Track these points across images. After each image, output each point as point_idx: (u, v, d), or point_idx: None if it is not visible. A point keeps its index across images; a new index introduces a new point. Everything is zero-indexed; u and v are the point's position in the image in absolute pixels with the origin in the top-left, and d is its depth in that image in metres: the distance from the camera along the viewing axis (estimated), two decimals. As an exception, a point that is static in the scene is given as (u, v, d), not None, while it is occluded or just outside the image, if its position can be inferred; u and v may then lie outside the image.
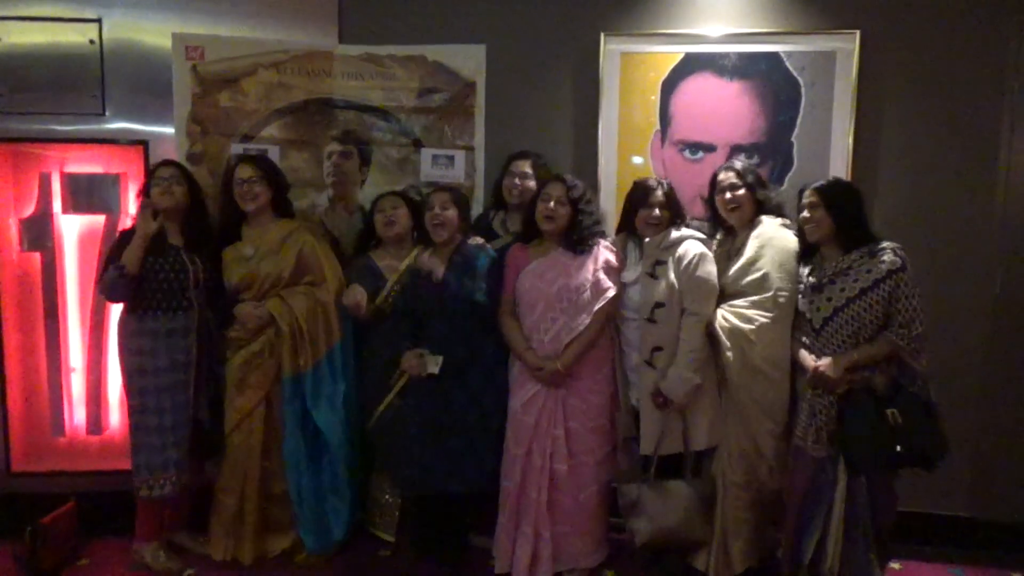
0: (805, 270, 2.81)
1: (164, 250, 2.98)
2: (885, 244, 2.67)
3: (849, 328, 2.66)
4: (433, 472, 2.98)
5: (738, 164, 2.98)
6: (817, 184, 2.75)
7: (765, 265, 2.82)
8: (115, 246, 3.01)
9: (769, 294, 2.80)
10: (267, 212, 3.13)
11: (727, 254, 2.96)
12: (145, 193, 3.05)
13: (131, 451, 3.04)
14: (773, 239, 2.85)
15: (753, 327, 2.80)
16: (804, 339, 2.79)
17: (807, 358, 2.75)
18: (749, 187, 2.91)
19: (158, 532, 3.16)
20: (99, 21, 3.39)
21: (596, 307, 2.91)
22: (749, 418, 2.83)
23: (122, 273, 2.88)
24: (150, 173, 3.09)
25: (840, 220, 2.69)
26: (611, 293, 2.92)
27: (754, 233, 2.89)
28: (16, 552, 3.10)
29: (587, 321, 2.91)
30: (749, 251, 2.86)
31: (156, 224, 2.94)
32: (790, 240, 2.85)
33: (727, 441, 2.89)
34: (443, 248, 3.05)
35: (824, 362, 2.69)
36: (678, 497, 2.85)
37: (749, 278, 2.84)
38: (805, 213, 2.75)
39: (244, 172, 3.07)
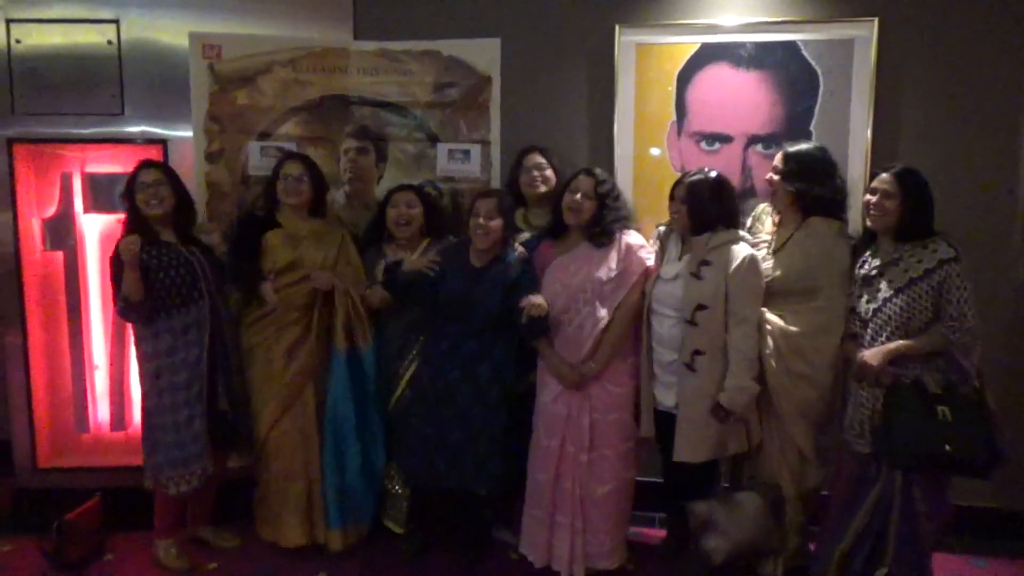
0: (858, 260, 2.73)
1: (158, 248, 2.97)
2: (938, 236, 2.56)
3: (897, 319, 2.57)
4: (435, 468, 2.98)
5: (792, 149, 2.83)
6: (895, 170, 2.62)
7: (821, 278, 2.74)
8: (115, 265, 2.96)
9: (822, 303, 2.74)
10: (304, 209, 3.18)
11: (769, 245, 2.88)
12: (128, 195, 2.99)
13: (149, 450, 3.03)
14: (830, 252, 2.75)
15: (799, 330, 2.74)
16: (854, 331, 2.71)
17: (854, 351, 2.68)
18: (788, 181, 2.78)
19: (175, 528, 3.19)
20: (117, 22, 3.42)
21: (621, 296, 2.87)
22: (787, 420, 2.78)
23: (128, 305, 2.91)
24: (132, 176, 3.00)
25: (910, 210, 2.58)
26: (635, 279, 2.88)
27: (806, 238, 2.78)
28: (43, 547, 3.15)
29: (608, 315, 2.88)
30: (802, 258, 2.76)
31: (137, 247, 2.90)
32: (845, 251, 2.76)
33: (771, 446, 2.84)
34: (479, 252, 3.01)
35: (868, 352, 2.60)
36: (750, 509, 2.74)
37: (800, 286, 2.76)
38: (874, 198, 2.63)
39: (294, 169, 3.11)
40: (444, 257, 3.03)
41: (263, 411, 3.12)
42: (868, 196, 2.68)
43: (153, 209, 2.98)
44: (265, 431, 3.12)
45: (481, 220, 2.92)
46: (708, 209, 2.78)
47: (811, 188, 2.77)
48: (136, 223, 2.99)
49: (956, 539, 3.26)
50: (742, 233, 2.86)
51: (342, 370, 3.08)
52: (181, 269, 2.97)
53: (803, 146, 2.88)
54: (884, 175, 2.64)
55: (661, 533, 3.34)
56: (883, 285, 2.61)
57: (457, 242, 3.12)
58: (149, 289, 2.93)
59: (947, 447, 2.43)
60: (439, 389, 2.96)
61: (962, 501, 3.25)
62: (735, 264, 2.73)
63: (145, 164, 3.05)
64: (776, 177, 2.83)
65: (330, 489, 3.10)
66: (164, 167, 3.11)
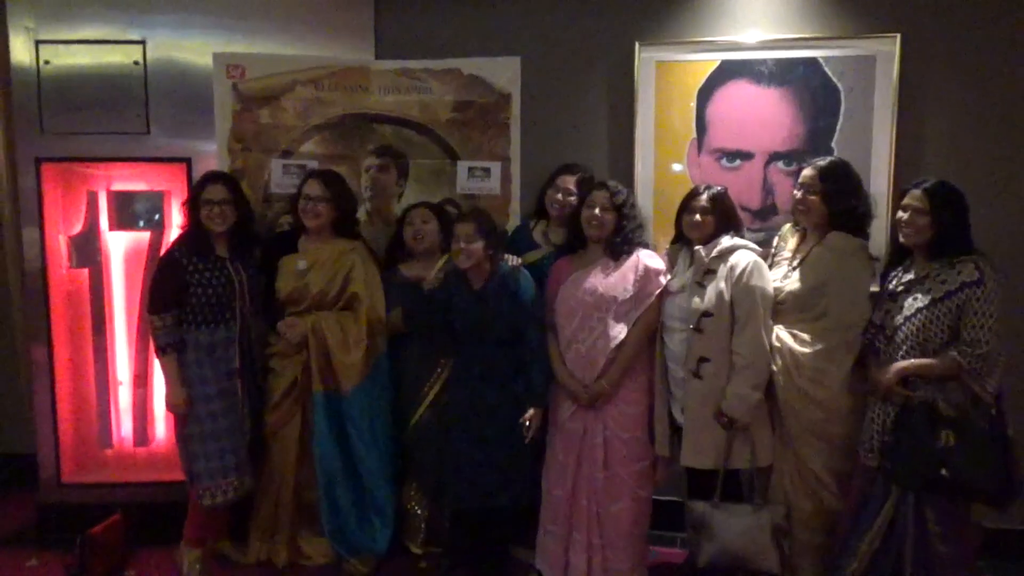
0: (890, 275, 2.70)
1: (211, 263, 3.00)
2: (969, 256, 2.50)
3: (915, 339, 2.54)
4: (482, 486, 2.98)
5: (825, 164, 2.78)
6: (926, 186, 2.56)
7: (832, 295, 2.70)
8: (161, 272, 3.00)
9: (832, 323, 2.69)
10: (327, 230, 3.16)
11: (791, 261, 2.85)
12: (192, 209, 3.02)
13: (186, 461, 3.04)
14: (845, 269, 2.71)
15: (807, 351, 2.71)
16: (877, 347, 2.68)
17: (872, 366, 2.67)
18: (824, 195, 2.74)
19: (204, 540, 3.19)
20: (143, 43, 3.47)
21: (635, 316, 2.90)
22: (797, 440, 2.74)
23: (165, 352, 2.97)
24: (197, 190, 3.04)
25: (942, 227, 2.53)
26: (650, 301, 2.90)
27: (823, 253, 2.74)
28: (66, 562, 3.19)
29: (625, 331, 2.89)
30: (816, 274, 2.73)
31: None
32: (863, 269, 2.73)
33: (783, 465, 2.79)
34: (474, 273, 3.01)
35: (880, 369, 2.60)
36: (747, 522, 2.72)
37: (813, 302, 2.72)
38: (906, 216, 2.58)
39: (312, 189, 3.11)
40: (448, 282, 3.06)
41: (266, 423, 3.17)
42: (900, 213, 2.63)
43: (217, 226, 3.02)
44: (266, 439, 3.17)
45: (462, 244, 2.94)
46: (730, 217, 2.87)
47: (846, 205, 2.75)
48: (195, 235, 3.01)
49: (986, 562, 3.17)
50: (746, 241, 2.86)
51: (320, 411, 3.08)
52: (220, 288, 3.00)
53: (832, 161, 2.82)
54: (915, 191, 2.59)
55: (683, 554, 3.30)
56: (907, 303, 2.57)
57: (456, 269, 3.12)
58: (183, 302, 2.96)
59: (943, 471, 2.40)
60: (479, 411, 2.97)
61: (996, 524, 3.16)
62: (738, 270, 2.74)
63: (212, 178, 3.08)
64: (812, 196, 2.77)
65: (326, 524, 3.10)
66: (230, 183, 3.11)
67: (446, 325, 3.03)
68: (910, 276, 2.60)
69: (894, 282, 2.66)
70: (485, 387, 2.97)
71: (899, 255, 2.71)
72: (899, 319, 2.59)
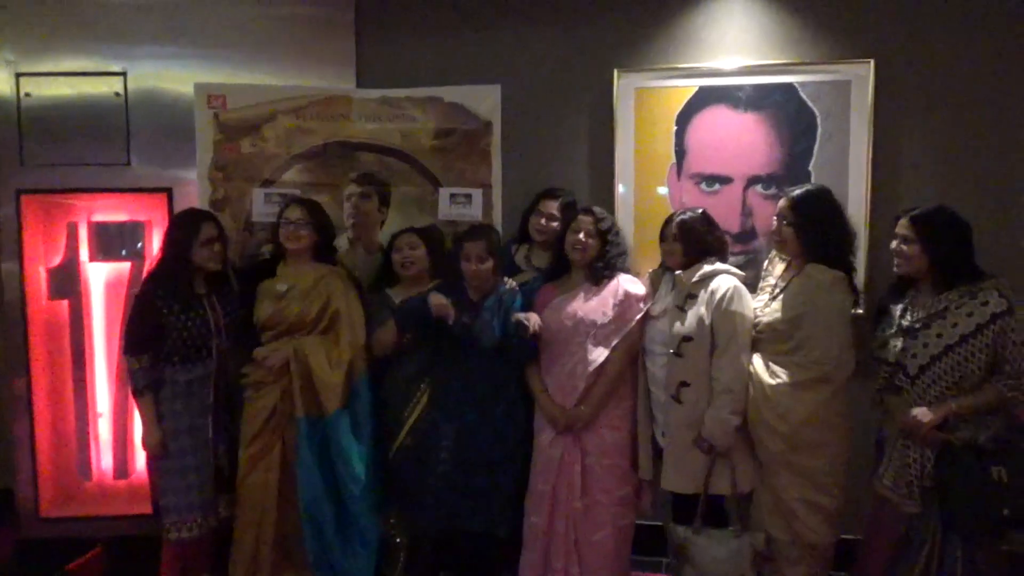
0: (897, 309, 2.61)
1: (188, 302, 2.97)
2: (987, 283, 2.44)
3: (950, 377, 2.44)
4: (458, 512, 2.95)
5: (798, 194, 2.73)
6: (913, 213, 2.53)
7: (807, 328, 2.62)
8: (136, 314, 2.98)
9: (806, 358, 2.62)
10: (307, 255, 3.16)
11: (772, 290, 2.82)
12: (179, 248, 2.98)
13: (155, 495, 3.03)
14: (820, 303, 2.61)
15: (775, 384, 2.66)
16: (899, 385, 2.57)
17: (898, 405, 2.57)
18: (797, 226, 2.69)
19: (181, 574, 3.15)
20: (124, 74, 3.49)
21: (615, 341, 2.90)
22: (768, 469, 2.72)
23: (142, 394, 2.95)
24: (191, 231, 2.98)
25: (936, 256, 2.48)
26: (630, 327, 2.90)
27: (800, 285, 2.68)
28: (44, 599, 3.13)
29: (604, 355, 2.89)
30: (792, 307, 2.66)
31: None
32: (840, 303, 2.64)
33: (761, 493, 2.76)
34: (476, 287, 3.03)
35: (919, 411, 2.47)
36: (727, 548, 2.69)
37: (788, 334, 2.66)
38: (896, 245, 2.56)
39: (293, 213, 3.12)
40: (447, 288, 3.05)
41: (241, 462, 3.10)
42: (892, 242, 2.61)
43: (216, 265, 3.03)
44: (239, 480, 3.10)
45: (473, 266, 2.96)
46: (702, 242, 2.84)
47: (820, 236, 2.68)
48: (177, 274, 2.97)
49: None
50: (727, 266, 2.85)
51: (303, 437, 3.03)
52: (196, 329, 2.97)
53: (809, 191, 2.78)
54: (903, 219, 2.57)
55: (669, 579, 3.29)
56: (931, 340, 2.46)
57: (453, 280, 3.10)
58: (158, 342, 2.94)
59: (1005, 511, 2.32)
60: (458, 432, 2.95)
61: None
62: (719, 295, 2.74)
63: (205, 217, 3.07)
64: (786, 228, 2.74)
65: (309, 552, 3.05)
66: (216, 218, 3.11)
67: (439, 329, 2.99)
68: (923, 310, 2.53)
69: (908, 317, 2.57)
70: (464, 409, 2.96)
71: (900, 286, 2.65)
72: (926, 358, 2.48)
